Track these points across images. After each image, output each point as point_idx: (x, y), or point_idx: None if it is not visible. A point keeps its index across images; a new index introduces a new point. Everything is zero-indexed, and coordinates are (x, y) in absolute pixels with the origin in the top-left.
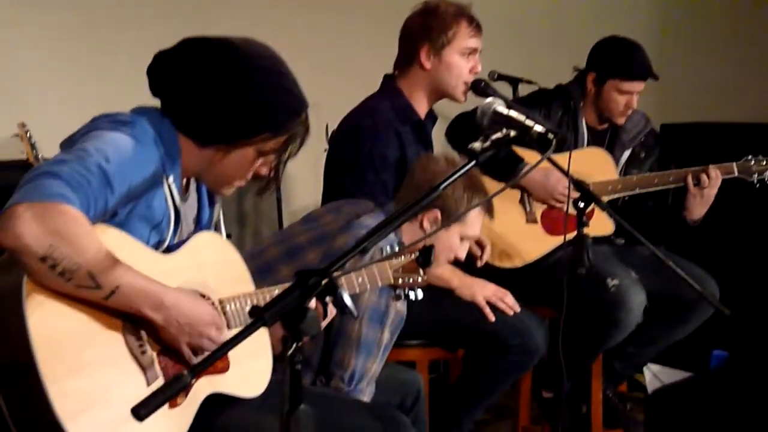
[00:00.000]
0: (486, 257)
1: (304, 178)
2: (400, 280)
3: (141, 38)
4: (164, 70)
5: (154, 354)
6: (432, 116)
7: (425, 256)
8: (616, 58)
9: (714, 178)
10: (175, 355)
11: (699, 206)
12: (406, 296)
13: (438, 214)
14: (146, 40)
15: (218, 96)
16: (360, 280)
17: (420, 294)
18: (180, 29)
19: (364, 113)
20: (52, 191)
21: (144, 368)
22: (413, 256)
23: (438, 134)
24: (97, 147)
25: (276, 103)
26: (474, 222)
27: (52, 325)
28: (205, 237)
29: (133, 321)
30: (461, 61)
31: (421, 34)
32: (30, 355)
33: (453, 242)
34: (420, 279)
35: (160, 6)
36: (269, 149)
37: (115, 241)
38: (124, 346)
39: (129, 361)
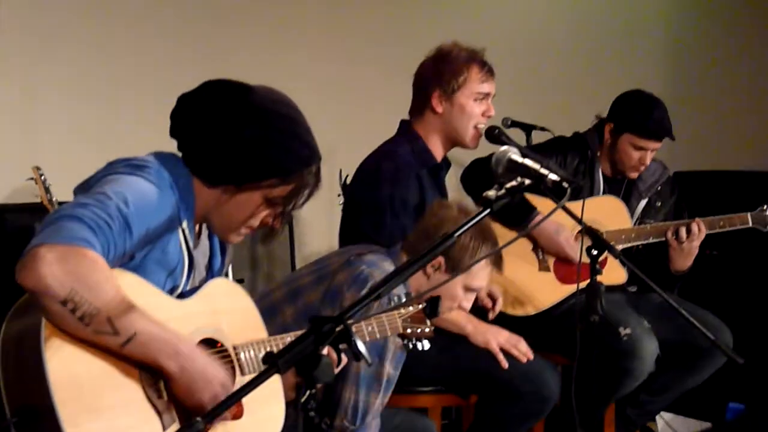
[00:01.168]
0: (498, 309)
1: (318, 223)
2: (408, 330)
3: (157, 83)
4: (184, 111)
5: (170, 399)
6: (446, 162)
7: (432, 307)
8: (634, 113)
9: (695, 232)
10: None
11: (680, 258)
12: (414, 347)
13: (441, 260)
14: (162, 86)
15: (229, 135)
16: (370, 328)
17: (427, 345)
18: (196, 75)
19: (385, 157)
20: (75, 235)
21: (160, 413)
22: (420, 306)
23: (450, 180)
24: (116, 191)
25: (287, 148)
26: (479, 273)
27: (70, 369)
28: (219, 283)
29: (148, 372)
30: (473, 105)
31: (433, 80)
32: (49, 397)
33: (456, 292)
34: (427, 330)
35: (177, 52)
36: (276, 196)
37: (132, 286)
38: (140, 390)
39: (145, 406)
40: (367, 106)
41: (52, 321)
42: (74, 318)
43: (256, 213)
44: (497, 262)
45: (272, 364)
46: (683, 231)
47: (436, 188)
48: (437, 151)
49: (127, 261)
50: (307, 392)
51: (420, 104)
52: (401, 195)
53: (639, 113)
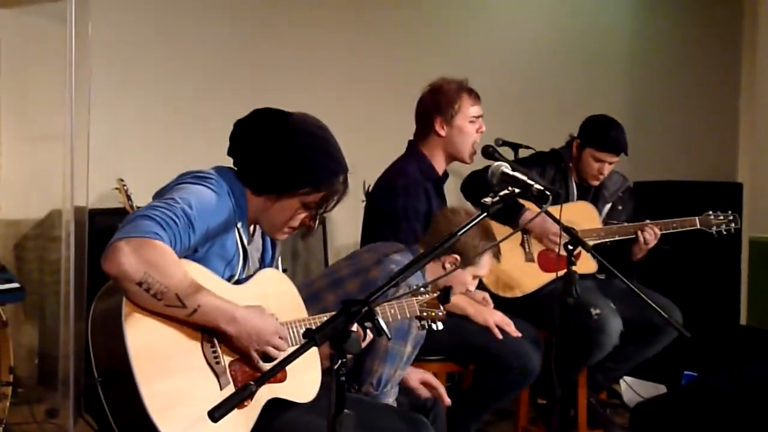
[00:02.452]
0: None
1: (345, 223)
2: (425, 313)
3: (217, 109)
4: (237, 134)
5: (227, 363)
6: (446, 174)
7: (445, 295)
8: (594, 131)
9: (656, 235)
10: (245, 361)
11: (639, 253)
12: (429, 326)
13: (457, 257)
14: (221, 109)
15: (272, 152)
16: (392, 311)
17: (440, 326)
18: (248, 98)
19: (397, 174)
20: (146, 229)
21: (218, 375)
22: (435, 294)
23: (450, 189)
24: (182, 196)
25: (319, 163)
26: (485, 264)
27: (145, 339)
28: (268, 272)
29: (210, 335)
30: (469, 126)
31: (433, 109)
32: (128, 362)
33: (466, 279)
34: (440, 313)
35: (228, 86)
36: (310, 202)
37: (195, 272)
38: (202, 356)
39: (206, 369)
40: (384, 131)
41: (131, 299)
42: (149, 295)
43: (295, 216)
44: (497, 255)
45: (311, 338)
46: (649, 235)
47: (439, 197)
48: (439, 166)
49: (192, 253)
50: (339, 361)
51: (424, 129)
52: (413, 205)
53: (599, 131)
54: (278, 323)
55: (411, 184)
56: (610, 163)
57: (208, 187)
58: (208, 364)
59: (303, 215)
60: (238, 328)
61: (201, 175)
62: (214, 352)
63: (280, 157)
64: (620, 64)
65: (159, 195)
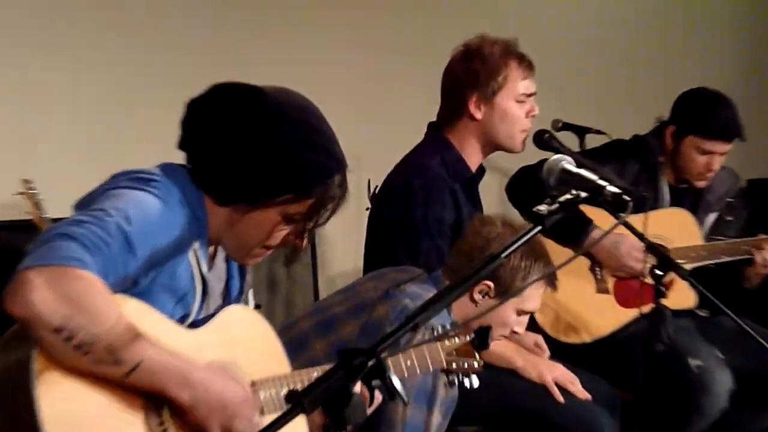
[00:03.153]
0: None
1: (343, 241)
2: (454, 365)
3: (164, 87)
4: (192, 119)
5: None
6: (481, 170)
7: (482, 338)
8: (697, 113)
9: None
10: None
11: (756, 279)
12: (461, 383)
13: (490, 284)
14: (169, 90)
15: (240, 148)
16: (408, 363)
17: (476, 382)
18: (207, 77)
19: (414, 171)
20: (67, 254)
21: None
22: (468, 337)
23: (490, 189)
24: (118, 207)
25: (302, 160)
26: (533, 294)
27: (64, 407)
28: (236, 311)
29: (156, 402)
30: (516, 107)
31: (468, 82)
32: None
33: (508, 317)
34: (476, 364)
35: (184, 53)
36: (295, 213)
37: (135, 313)
38: (145, 429)
39: None
40: (397, 107)
41: (47, 352)
42: (70, 347)
43: (273, 232)
44: (551, 279)
45: (296, 402)
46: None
47: (471, 202)
48: (473, 159)
49: (131, 286)
50: None
51: (453, 111)
52: (436, 214)
53: (703, 112)
54: (248, 391)
55: (432, 184)
56: (722, 155)
57: (153, 194)
58: None
59: (284, 231)
60: (195, 396)
61: (142, 176)
62: (162, 425)
63: (251, 153)
64: (730, 24)
65: (84, 204)
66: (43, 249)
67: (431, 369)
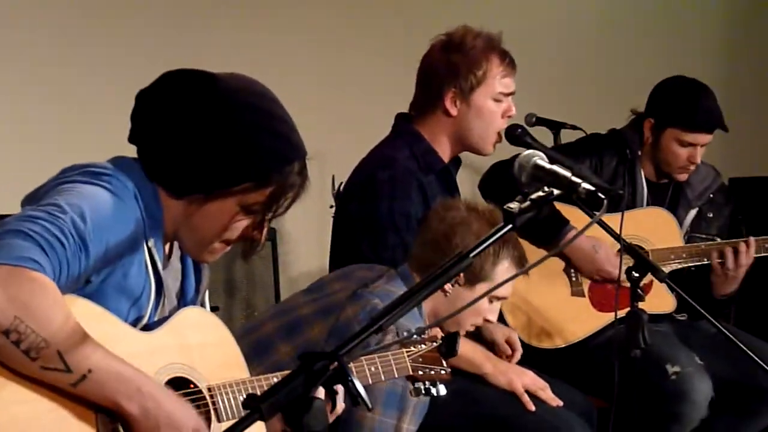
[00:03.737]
0: (516, 359)
1: (306, 239)
2: (420, 372)
3: (117, 77)
4: (142, 109)
5: None
6: (456, 162)
7: (449, 345)
8: (677, 104)
9: (743, 254)
10: None
11: (722, 285)
12: (427, 391)
13: (461, 274)
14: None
15: (193, 135)
16: (373, 369)
17: (443, 390)
18: (163, 64)
19: (380, 163)
20: (20, 254)
21: None
22: (435, 343)
23: (463, 185)
24: (71, 202)
25: (260, 147)
26: (501, 276)
27: (11, 412)
28: (191, 313)
29: (107, 413)
30: (492, 106)
31: (446, 75)
32: None
33: (480, 305)
34: (443, 372)
35: (138, 50)
36: (253, 203)
37: (86, 315)
38: None
39: None
40: (362, 102)
41: None
42: (18, 351)
43: (231, 224)
44: (520, 261)
45: (254, 408)
46: (730, 256)
47: (448, 192)
48: (444, 152)
49: (82, 285)
50: None
51: (428, 103)
52: (402, 208)
53: (683, 103)
54: (200, 420)
55: (399, 177)
56: (703, 146)
57: (106, 189)
58: None
59: (243, 223)
60: (145, 409)
61: (94, 170)
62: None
63: (205, 140)
64: (710, 13)
65: (33, 199)
66: None
67: (396, 375)
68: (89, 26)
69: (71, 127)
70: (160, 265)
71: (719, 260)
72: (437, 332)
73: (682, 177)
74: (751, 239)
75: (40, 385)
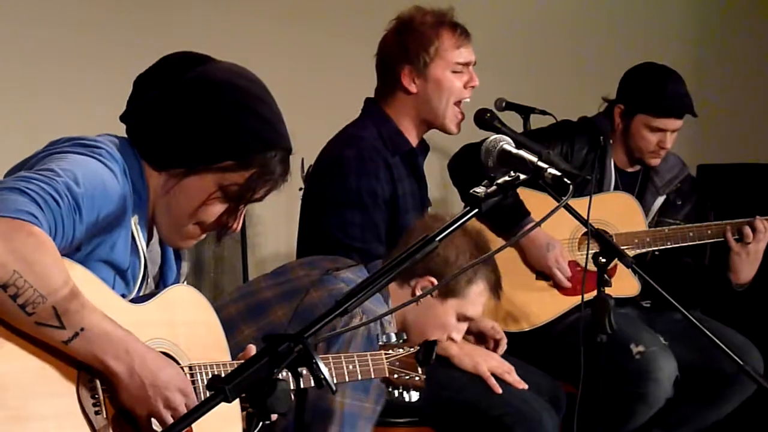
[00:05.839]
0: (502, 350)
1: (275, 222)
2: (396, 376)
3: (105, 57)
4: (137, 91)
5: (109, 417)
6: (423, 146)
7: (426, 353)
8: (646, 90)
9: (761, 231)
10: (132, 423)
11: (746, 266)
12: (400, 395)
13: (434, 281)
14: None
15: (180, 108)
16: (351, 367)
17: (415, 396)
18: (141, 50)
19: (347, 142)
20: (19, 207)
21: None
22: (412, 349)
23: (426, 166)
24: (64, 168)
25: (245, 127)
26: (476, 300)
27: None
28: (181, 291)
29: (90, 374)
30: (451, 78)
31: (398, 55)
32: None
33: (447, 320)
34: (417, 378)
35: (123, 25)
36: (231, 183)
37: (81, 279)
38: (76, 401)
39: (80, 421)
40: (333, 85)
41: None
42: (15, 305)
43: (207, 203)
44: (495, 289)
45: (218, 389)
46: (748, 229)
47: (413, 177)
48: (411, 135)
49: (73, 252)
50: (260, 424)
51: (388, 85)
52: (369, 186)
53: (652, 90)
54: (185, 377)
55: (366, 155)
56: (674, 131)
57: (98, 160)
58: (84, 413)
59: (218, 207)
60: (131, 368)
61: (87, 142)
62: (94, 397)
63: (193, 114)
64: (678, 10)
65: (19, 171)
66: None
67: (373, 376)
68: (60, 12)
69: (54, 105)
70: (144, 243)
71: (736, 237)
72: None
73: (654, 161)
74: (759, 218)
75: (29, 341)
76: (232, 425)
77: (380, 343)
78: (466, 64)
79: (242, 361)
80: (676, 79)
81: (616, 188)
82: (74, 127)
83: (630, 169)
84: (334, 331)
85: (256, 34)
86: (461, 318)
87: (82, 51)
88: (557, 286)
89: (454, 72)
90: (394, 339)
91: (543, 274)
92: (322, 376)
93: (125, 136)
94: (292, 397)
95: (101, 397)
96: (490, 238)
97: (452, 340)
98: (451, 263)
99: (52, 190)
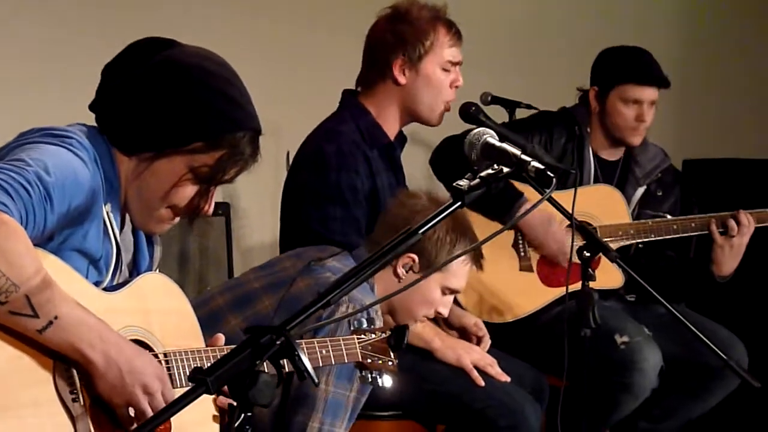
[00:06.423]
0: (485, 346)
1: (260, 214)
2: (369, 360)
3: (75, 48)
4: (104, 77)
5: (87, 403)
6: (401, 138)
7: (398, 337)
8: (617, 63)
9: (745, 224)
10: (110, 410)
11: (728, 259)
12: (373, 380)
13: (415, 258)
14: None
15: (147, 91)
16: (324, 352)
17: (388, 381)
18: (117, 38)
19: (326, 137)
20: None
21: (74, 418)
22: (384, 334)
23: (416, 161)
24: (34, 158)
25: (213, 107)
26: (458, 271)
27: None
28: (153, 279)
29: (66, 363)
30: (441, 75)
31: (393, 44)
32: None
33: (433, 295)
34: (390, 363)
35: (96, 12)
36: (201, 165)
37: (53, 268)
38: (53, 390)
39: (58, 409)
40: (318, 78)
41: None
42: None
43: (178, 185)
44: (476, 258)
45: (200, 381)
46: (732, 222)
47: (391, 170)
48: (391, 126)
49: (45, 242)
50: (242, 416)
51: (376, 74)
52: (349, 181)
53: (624, 60)
54: (162, 366)
55: (345, 150)
56: (651, 104)
57: (68, 149)
58: (62, 401)
59: (189, 189)
60: (107, 354)
61: (57, 132)
62: (71, 384)
63: (159, 97)
64: (662, 3)
65: None
66: None
67: (346, 361)
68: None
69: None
70: (117, 231)
71: (720, 230)
72: (389, 323)
73: (636, 140)
74: (743, 211)
75: (3, 331)
76: (212, 421)
77: (351, 328)
78: (456, 64)
79: (215, 347)
80: (646, 53)
81: (595, 178)
82: (54, 120)
83: (611, 159)
84: (320, 322)
85: (240, 29)
86: (446, 291)
87: (60, 45)
88: (541, 276)
89: (444, 70)
90: (365, 324)
91: (527, 265)
92: (304, 369)
93: (95, 125)
94: (275, 389)
95: (78, 385)
96: (480, 223)
97: (440, 314)
98: (428, 237)
99: (22, 180)
